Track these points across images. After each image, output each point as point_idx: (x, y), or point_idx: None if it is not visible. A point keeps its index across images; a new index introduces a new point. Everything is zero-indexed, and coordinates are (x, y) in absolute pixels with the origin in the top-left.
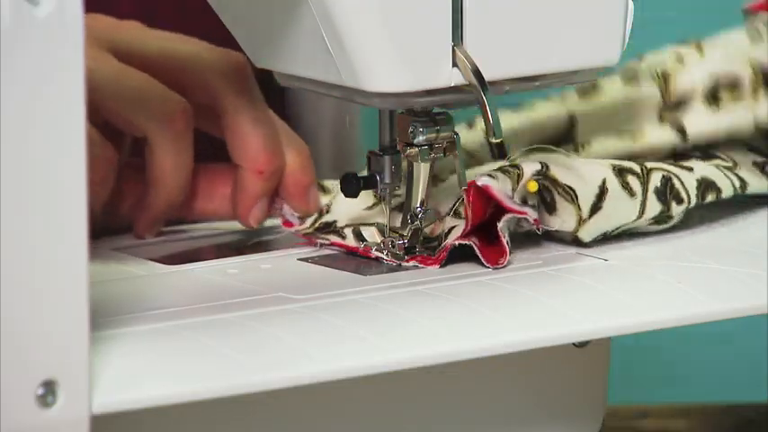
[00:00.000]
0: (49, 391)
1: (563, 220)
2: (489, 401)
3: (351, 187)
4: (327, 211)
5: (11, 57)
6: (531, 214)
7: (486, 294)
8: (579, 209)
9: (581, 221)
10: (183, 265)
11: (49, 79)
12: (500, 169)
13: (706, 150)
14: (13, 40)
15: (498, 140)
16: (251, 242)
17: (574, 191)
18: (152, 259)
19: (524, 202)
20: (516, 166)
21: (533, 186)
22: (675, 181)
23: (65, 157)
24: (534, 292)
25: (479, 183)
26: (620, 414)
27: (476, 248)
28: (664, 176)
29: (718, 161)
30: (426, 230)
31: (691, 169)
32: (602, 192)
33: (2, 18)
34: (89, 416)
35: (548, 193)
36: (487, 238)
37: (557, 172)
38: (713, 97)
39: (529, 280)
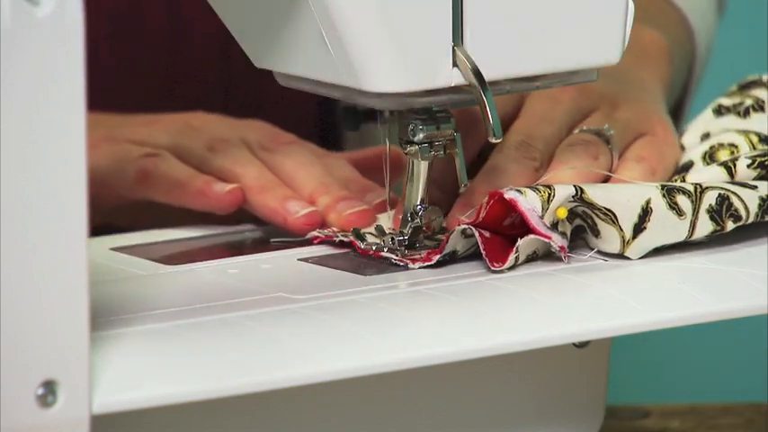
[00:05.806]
0: (49, 391)
1: (609, 242)
2: (489, 401)
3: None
4: None
5: (11, 57)
6: (557, 240)
7: (486, 294)
8: (621, 230)
9: (625, 243)
10: (183, 265)
11: (49, 79)
12: (530, 186)
13: None
14: (13, 40)
15: (498, 141)
16: (251, 242)
17: (613, 212)
18: (152, 259)
19: (554, 226)
20: (548, 186)
21: (563, 213)
22: (734, 199)
23: (65, 157)
24: (534, 292)
25: (507, 196)
26: (620, 414)
27: (478, 239)
28: (720, 195)
29: None
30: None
31: (754, 187)
32: (646, 212)
33: (2, 18)
34: (89, 416)
35: (588, 218)
36: (499, 242)
37: (593, 195)
38: None
39: (529, 280)
